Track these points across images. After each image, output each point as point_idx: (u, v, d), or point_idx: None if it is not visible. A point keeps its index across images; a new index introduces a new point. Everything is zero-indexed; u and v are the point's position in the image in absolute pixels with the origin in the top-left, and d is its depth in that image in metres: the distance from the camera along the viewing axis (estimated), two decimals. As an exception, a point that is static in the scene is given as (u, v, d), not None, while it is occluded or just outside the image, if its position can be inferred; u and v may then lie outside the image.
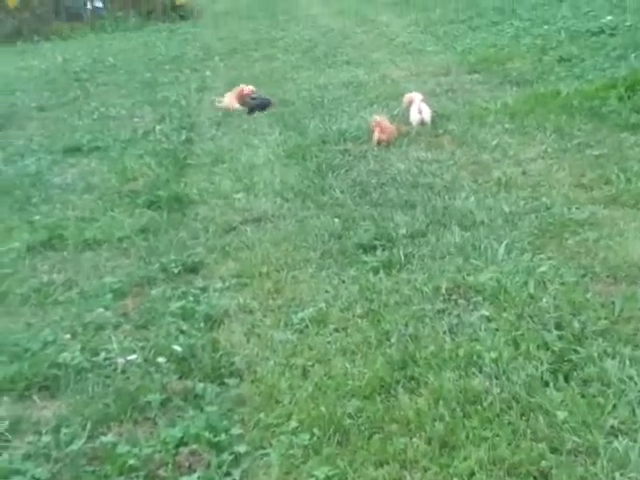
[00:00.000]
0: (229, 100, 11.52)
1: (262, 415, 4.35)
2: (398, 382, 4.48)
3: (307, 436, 4.11)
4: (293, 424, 4.23)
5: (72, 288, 6.18)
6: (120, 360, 4.95)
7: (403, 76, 12.24)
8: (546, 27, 13.83)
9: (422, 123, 9.15)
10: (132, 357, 4.99)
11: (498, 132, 8.64)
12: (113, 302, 5.84)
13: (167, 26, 22.88)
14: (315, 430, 4.14)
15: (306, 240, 6.53)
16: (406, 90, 10.87)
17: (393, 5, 20.21)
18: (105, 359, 5.03)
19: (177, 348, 5.01)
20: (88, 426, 4.38)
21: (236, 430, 4.24)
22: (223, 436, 4.17)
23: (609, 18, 13.26)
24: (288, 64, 14.66)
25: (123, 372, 4.88)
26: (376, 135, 8.73)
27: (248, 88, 11.51)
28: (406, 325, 5.03)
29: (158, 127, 10.93)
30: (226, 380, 4.72)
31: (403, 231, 6.39)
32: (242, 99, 11.38)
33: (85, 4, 24.89)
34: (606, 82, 9.68)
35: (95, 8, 24.86)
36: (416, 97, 9.43)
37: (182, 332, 5.26)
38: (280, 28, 19.34)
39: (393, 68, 13.00)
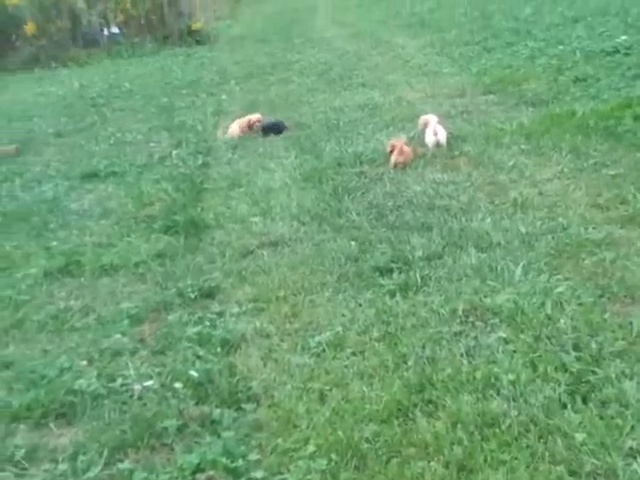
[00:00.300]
0: (234, 130, 11.48)
1: (279, 440, 4.34)
2: (416, 405, 4.46)
3: (325, 461, 4.10)
4: (311, 449, 4.22)
5: (89, 314, 6.20)
6: (137, 386, 4.95)
7: (418, 98, 12.23)
8: (561, 47, 13.81)
9: (438, 145, 9.16)
10: (149, 383, 4.99)
11: (514, 153, 8.62)
12: (130, 328, 5.85)
13: (183, 51, 22.99)
14: (333, 455, 4.13)
15: (323, 263, 6.53)
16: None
17: (408, 27, 20.26)
18: (122, 385, 5.03)
19: (194, 373, 5.01)
20: (105, 453, 4.38)
21: (253, 456, 4.23)
22: (240, 462, 4.16)
23: (624, 38, 13.23)
24: (304, 87, 14.69)
25: (140, 398, 4.87)
26: (393, 157, 8.73)
27: (255, 117, 11.48)
28: (423, 348, 5.02)
29: (174, 152, 10.97)
30: (243, 405, 4.71)
31: (419, 253, 6.37)
32: (250, 128, 11.35)
33: (102, 30, 25.09)
34: (621, 102, 9.67)
35: (112, 34, 25.06)
36: (431, 119, 9.44)
37: (199, 357, 5.25)
38: (296, 51, 19.40)
39: (408, 90, 13.00)
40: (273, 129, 11.23)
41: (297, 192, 8.42)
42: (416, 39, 18.20)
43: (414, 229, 6.93)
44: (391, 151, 8.83)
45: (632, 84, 10.57)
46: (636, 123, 8.81)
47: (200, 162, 10.34)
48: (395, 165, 8.66)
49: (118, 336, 5.71)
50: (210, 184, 9.30)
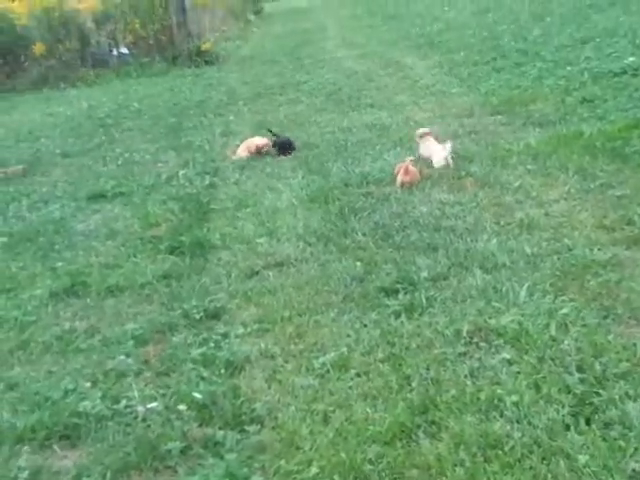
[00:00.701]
0: (241, 151, 11.49)
1: (283, 462, 4.34)
2: (419, 427, 4.46)
3: (327, 483, 4.10)
4: (314, 471, 4.22)
5: (94, 335, 6.21)
6: (140, 408, 4.95)
7: (427, 118, 12.24)
8: (569, 68, 13.81)
9: (447, 164, 9.24)
10: (153, 405, 4.99)
11: (521, 173, 8.62)
12: (134, 349, 5.86)
13: (192, 71, 23.06)
14: (335, 477, 4.14)
15: (328, 284, 6.54)
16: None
17: (417, 48, 20.31)
18: (126, 407, 5.03)
19: (198, 395, 5.01)
20: (108, 475, 4.40)
21: (256, 478, 4.24)
22: (244, 484, 4.17)
23: (632, 59, 13.22)
24: (312, 107, 14.73)
25: (144, 420, 4.88)
26: (399, 178, 8.75)
27: (263, 141, 11.47)
28: (427, 369, 5.02)
29: (182, 172, 11.01)
30: (247, 427, 4.71)
31: (425, 274, 6.37)
32: (259, 153, 11.34)
33: (111, 50, 25.21)
34: (629, 122, 9.68)
35: (121, 54, 25.18)
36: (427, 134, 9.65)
37: (203, 379, 5.26)
38: (305, 71, 19.43)
39: (417, 110, 13.02)
40: (285, 146, 11.23)
41: (303, 212, 8.44)
42: (425, 60, 18.25)
43: (420, 250, 6.93)
44: (398, 172, 8.85)
45: (639, 105, 10.56)
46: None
47: (207, 182, 10.37)
48: (402, 185, 8.67)
49: (122, 357, 5.72)
50: (217, 204, 9.32)
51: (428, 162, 9.49)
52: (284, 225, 8.10)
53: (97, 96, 20.43)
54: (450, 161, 9.28)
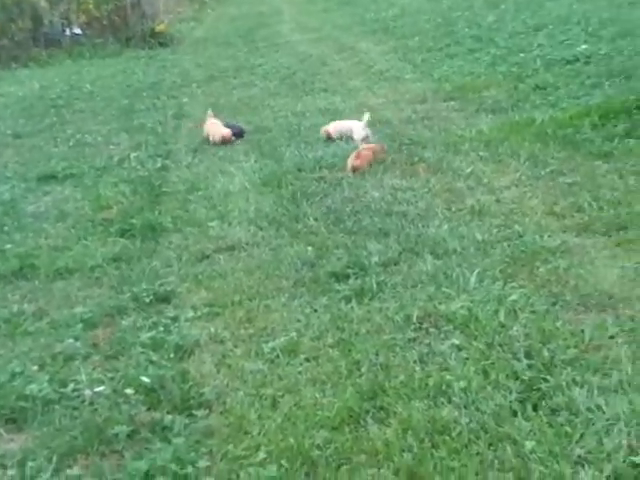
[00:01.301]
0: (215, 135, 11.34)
1: (230, 447, 4.32)
2: (367, 412, 4.46)
3: (275, 468, 4.08)
4: (261, 456, 4.21)
5: (42, 318, 6.15)
6: (88, 392, 4.91)
7: (380, 103, 12.26)
8: (522, 55, 13.90)
9: (366, 137, 9.75)
10: (100, 389, 4.95)
11: (473, 160, 8.66)
12: (83, 332, 5.81)
13: (146, 53, 22.86)
14: (283, 462, 4.12)
15: (279, 269, 6.53)
16: (383, 117, 10.98)
17: (372, 33, 20.28)
18: (73, 390, 4.98)
19: (146, 379, 4.97)
20: (54, 459, 4.34)
21: (203, 462, 4.20)
22: (190, 469, 4.14)
23: (584, 47, 13.34)
24: (266, 91, 14.68)
25: (91, 404, 4.83)
26: (349, 162, 8.74)
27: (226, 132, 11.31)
28: (377, 354, 5.02)
29: (134, 154, 10.93)
30: (195, 411, 4.68)
31: (376, 259, 6.38)
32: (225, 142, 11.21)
33: (64, 31, 24.90)
34: (580, 110, 9.74)
35: (74, 35, 24.87)
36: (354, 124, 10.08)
37: (152, 363, 5.22)
38: (259, 55, 19.37)
39: (370, 95, 13.03)
40: (238, 135, 11.17)
41: (256, 196, 8.41)
42: (379, 45, 18.23)
43: (371, 235, 6.94)
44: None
45: (591, 93, 10.65)
46: (594, 132, 8.87)
47: (159, 165, 10.31)
48: (353, 170, 8.66)
49: (71, 341, 5.66)
50: (168, 187, 9.27)
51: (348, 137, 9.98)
52: (236, 209, 8.08)
53: (49, 77, 20.20)
54: (369, 133, 9.71)
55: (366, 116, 9.94)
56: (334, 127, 10.40)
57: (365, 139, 9.74)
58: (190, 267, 6.83)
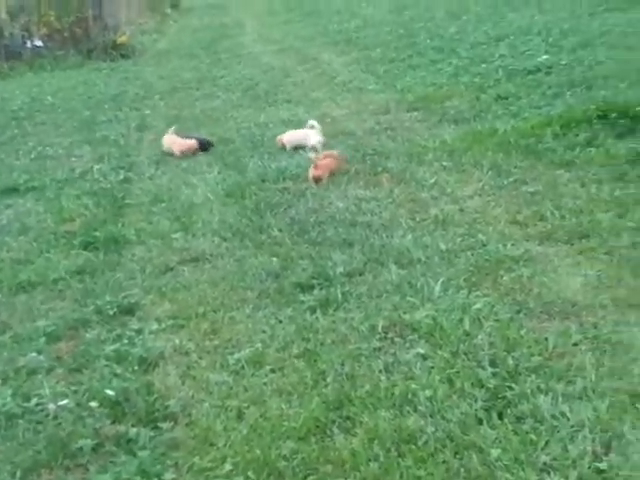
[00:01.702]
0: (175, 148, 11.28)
1: (196, 459, 4.31)
2: (334, 422, 4.47)
3: (241, 479, 4.07)
4: (227, 467, 4.20)
5: (5, 332, 6.08)
6: (52, 406, 4.86)
7: (343, 114, 12.27)
8: (484, 66, 13.97)
9: (319, 144, 9.92)
10: (64, 402, 4.91)
11: (436, 170, 8.69)
12: (46, 346, 5.76)
13: (108, 64, 22.67)
14: (249, 473, 4.12)
15: (244, 280, 6.51)
16: (346, 128, 11.01)
17: (334, 44, 20.30)
18: (37, 405, 4.94)
19: (110, 392, 4.94)
20: (18, 474, 4.32)
21: (169, 475, 4.20)
22: (156, 482, 4.13)
23: (545, 57, 13.44)
24: (229, 103, 14.64)
25: (55, 418, 4.79)
26: (310, 172, 8.76)
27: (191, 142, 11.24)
28: (342, 364, 5.03)
29: (96, 167, 10.84)
30: (160, 424, 4.66)
31: (341, 270, 6.39)
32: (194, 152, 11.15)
33: (25, 43, 24.72)
34: (542, 120, 9.80)
35: (35, 47, 24.69)
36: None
37: (116, 375, 5.19)
38: (222, 66, 19.31)
39: (333, 106, 13.03)
40: (205, 146, 11.11)
41: (219, 208, 8.39)
42: (342, 56, 18.25)
43: (336, 245, 6.94)
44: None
45: (552, 103, 10.72)
46: (555, 141, 8.94)
47: (122, 177, 10.24)
48: (315, 180, 8.66)
49: (34, 354, 5.61)
50: (132, 199, 9.22)
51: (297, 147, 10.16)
52: (200, 220, 8.05)
53: (10, 89, 20.01)
54: (321, 141, 9.98)
55: (311, 123, 10.19)
56: (288, 137, 10.45)
57: (317, 147, 9.85)
58: (154, 279, 6.80)
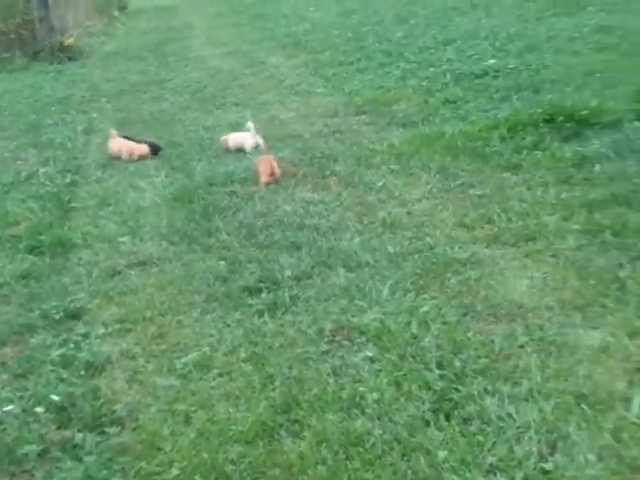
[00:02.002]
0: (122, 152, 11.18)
1: (143, 464, 4.29)
2: (281, 426, 4.46)
3: (189, 484, 4.06)
4: (174, 472, 4.19)
5: (-51, 336, 6.01)
6: (-5, 412, 4.83)
7: (291, 117, 12.25)
8: (432, 69, 14.01)
9: (257, 146, 10.03)
10: (9, 408, 4.87)
11: (384, 173, 8.70)
12: (-9, 351, 5.70)
13: (54, 67, 22.48)
14: (196, 477, 4.12)
15: (191, 284, 6.49)
16: (294, 131, 11.00)
17: (282, 47, 20.28)
18: (-19, 411, 4.89)
19: (56, 397, 4.90)
20: (-39, 480, 4.26)
21: (116, 480, 4.17)
22: (103, 487, 4.10)
23: (492, 61, 13.54)
24: (176, 105, 14.58)
25: (0, 423, 4.74)
26: (262, 178, 8.76)
27: (142, 147, 11.14)
28: (290, 368, 5.03)
29: (42, 170, 10.74)
30: (107, 429, 4.63)
31: (289, 273, 6.38)
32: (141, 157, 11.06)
33: (-31, 49, 24.45)
34: (489, 123, 9.84)
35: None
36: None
37: (62, 380, 5.15)
38: (169, 69, 19.21)
39: (282, 109, 13.01)
40: (155, 149, 11.06)
41: (167, 211, 8.36)
42: (290, 59, 18.24)
43: (284, 249, 6.94)
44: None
45: (499, 106, 10.78)
46: (502, 144, 8.99)
47: (69, 180, 10.16)
48: (266, 184, 8.68)
49: (-22, 360, 5.55)
50: (78, 203, 9.15)
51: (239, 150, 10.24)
52: (147, 224, 8.02)
53: (-46, 92, 19.81)
54: (261, 142, 10.03)
55: (248, 125, 10.26)
56: (232, 139, 10.49)
57: (256, 148, 10.01)
58: (101, 283, 6.75)
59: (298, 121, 11.90)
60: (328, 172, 8.96)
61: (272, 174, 8.80)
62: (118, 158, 10.95)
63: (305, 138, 10.67)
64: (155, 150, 10.99)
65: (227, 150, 10.40)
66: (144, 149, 10.96)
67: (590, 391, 4.45)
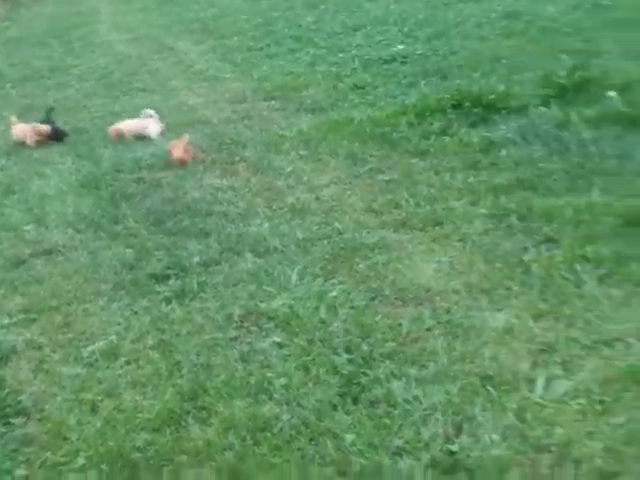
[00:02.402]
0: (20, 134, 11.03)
1: (49, 454, 4.24)
2: (188, 413, 4.45)
3: (95, 473, 4.02)
4: (81, 461, 4.15)
5: None
6: None
7: (200, 103, 12.17)
8: (341, 55, 14.03)
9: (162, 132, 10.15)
10: None
11: (293, 159, 8.70)
12: None
13: (-45, 52, 22.07)
14: (103, 466, 4.08)
15: (98, 272, 6.42)
16: (203, 116, 10.95)
17: (191, 33, 20.09)
18: None
19: (-43, 389, 4.82)
20: None
21: (20, 471, 4.13)
22: (7, 478, 4.03)
23: (401, 47, 13.61)
24: (82, 92, 14.37)
25: None
26: (175, 153, 8.80)
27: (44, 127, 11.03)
28: (198, 355, 5.01)
29: (-57, 159, 10.51)
30: (12, 420, 4.58)
31: (197, 259, 6.36)
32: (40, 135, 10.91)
33: None
34: (397, 109, 9.89)
35: None
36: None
37: (-36, 372, 5.06)
38: (75, 55, 18.88)
39: (190, 95, 12.91)
40: (60, 135, 10.88)
41: (73, 199, 8.24)
42: (199, 45, 18.07)
43: (192, 235, 6.90)
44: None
45: (407, 92, 10.84)
46: (410, 130, 9.04)
47: (-29, 169, 9.96)
48: (180, 162, 8.67)
49: None
50: (-19, 191, 8.97)
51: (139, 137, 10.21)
52: (53, 212, 7.90)
53: None
54: (163, 127, 10.22)
55: (149, 112, 10.40)
56: (127, 127, 10.42)
57: (162, 134, 10.07)
58: (5, 272, 6.64)
59: (207, 107, 11.83)
60: (237, 158, 8.93)
61: (187, 152, 8.77)
62: (23, 143, 10.77)
63: (214, 124, 10.61)
64: (61, 136, 10.83)
65: (118, 138, 10.27)
66: (45, 130, 10.79)
67: (495, 372, 4.51)
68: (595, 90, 9.22)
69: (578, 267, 5.55)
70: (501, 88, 9.70)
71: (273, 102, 11.69)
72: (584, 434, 3.97)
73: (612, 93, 8.89)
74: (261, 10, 21.70)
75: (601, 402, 4.21)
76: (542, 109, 8.94)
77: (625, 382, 4.36)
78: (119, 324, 5.54)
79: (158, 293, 5.90)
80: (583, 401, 4.23)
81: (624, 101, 8.64)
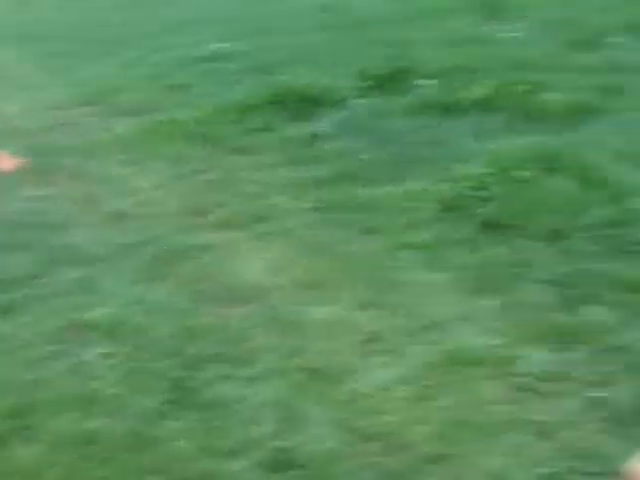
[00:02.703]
0: None
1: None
2: (13, 432, 4.28)
3: None
4: None
5: None
6: None
7: (15, 112, 11.73)
8: (158, 55, 13.80)
9: None
10: None
11: (112, 164, 8.54)
12: None
13: None
14: None
15: None
16: (18, 126, 10.68)
17: (6, 39, 19.44)
18: None
19: None
20: None
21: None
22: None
23: (219, 45, 13.58)
24: None
25: None
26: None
27: None
28: (26, 370, 4.84)
29: None
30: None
31: (20, 273, 6.13)
32: None
33: None
34: (218, 108, 9.88)
35: None
36: None
37: None
38: None
39: (3, 104, 12.36)
40: None
41: None
42: (12, 51, 17.51)
43: (12, 249, 6.58)
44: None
45: (228, 90, 10.77)
46: (232, 128, 9.10)
47: None
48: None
49: None
50: None
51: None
52: None
53: None
54: None
55: None
56: None
57: None
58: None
59: (22, 115, 11.50)
60: (54, 166, 8.70)
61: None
62: None
63: (30, 132, 10.34)
64: None
65: None
66: None
67: (323, 366, 4.55)
68: (411, 79, 9.45)
69: (401, 255, 5.67)
70: (321, 82, 9.82)
71: (90, 108, 11.45)
72: (412, 420, 4.03)
73: (424, 81, 9.11)
74: (73, 13, 21.28)
75: (427, 387, 4.30)
76: (361, 101, 9.09)
77: (450, 366, 4.46)
78: None
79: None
80: (410, 387, 4.30)
81: (439, 89, 8.86)
